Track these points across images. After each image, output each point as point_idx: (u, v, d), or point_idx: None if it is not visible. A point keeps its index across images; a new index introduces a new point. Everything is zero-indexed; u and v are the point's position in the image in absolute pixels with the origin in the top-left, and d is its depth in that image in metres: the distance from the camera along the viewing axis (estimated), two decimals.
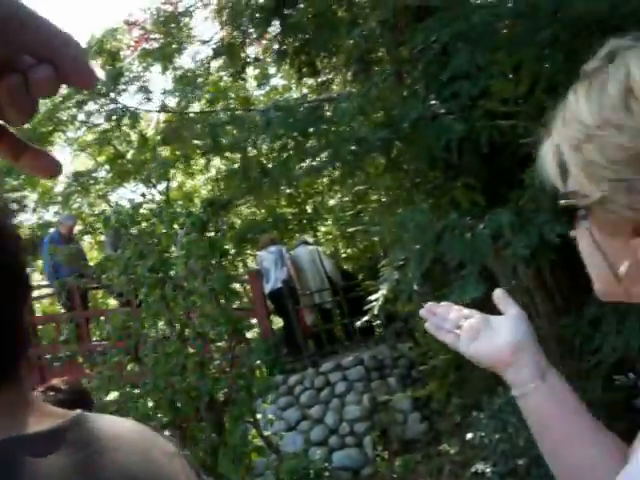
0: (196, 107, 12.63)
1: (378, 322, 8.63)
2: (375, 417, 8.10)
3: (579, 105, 0.85)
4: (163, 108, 11.33)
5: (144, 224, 4.85)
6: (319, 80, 10.02)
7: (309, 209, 15.54)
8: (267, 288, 9.32)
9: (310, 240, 10.38)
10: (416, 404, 8.16)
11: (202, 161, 14.44)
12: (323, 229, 15.92)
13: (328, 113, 6.56)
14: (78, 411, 0.93)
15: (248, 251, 14.72)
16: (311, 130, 5.34)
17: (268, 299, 9.60)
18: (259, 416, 5.81)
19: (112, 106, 11.02)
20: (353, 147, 5.46)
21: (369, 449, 7.85)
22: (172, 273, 4.76)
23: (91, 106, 13.56)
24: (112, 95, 12.32)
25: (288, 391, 8.59)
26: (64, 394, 3.29)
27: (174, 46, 12.05)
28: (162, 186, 15.69)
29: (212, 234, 4.70)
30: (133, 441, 0.93)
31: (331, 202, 15.09)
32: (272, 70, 13.89)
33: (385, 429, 7.98)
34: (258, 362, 5.36)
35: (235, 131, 6.20)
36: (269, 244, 9.45)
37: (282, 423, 8.21)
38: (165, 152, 14.24)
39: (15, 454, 0.81)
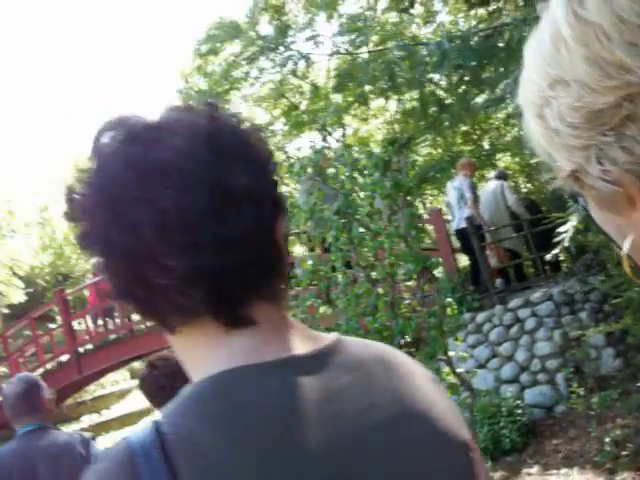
0: (364, 50, 12.58)
1: (566, 255, 8.28)
2: (567, 353, 7.86)
3: (529, 60, 0.68)
4: (334, 53, 11.36)
5: (329, 169, 4.92)
6: (489, 9, 9.64)
7: (486, 145, 15.14)
8: (453, 226, 9.19)
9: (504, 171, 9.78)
10: (610, 339, 7.82)
11: (376, 104, 14.41)
12: (502, 165, 15.48)
13: (500, 44, 6.31)
14: (335, 335, 0.94)
15: (427, 191, 14.62)
16: (488, 59, 5.15)
17: (455, 237, 9.47)
18: (451, 354, 5.81)
19: (286, 54, 11.17)
20: None
21: (562, 386, 7.65)
22: (358, 215, 4.82)
23: (263, 63, 13.88)
24: (281, 48, 12.55)
25: (477, 329, 8.52)
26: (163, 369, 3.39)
27: None
28: (338, 134, 15.87)
29: (395, 173, 4.69)
30: (396, 365, 0.93)
31: (507, 137, 14.63)
32: (438, 6, 13.51)
33: (578, 366, 7.73)
34: (449, 299, 5.33)
35: (410, 68, 6.10)
36: (464, 168, 9.11)
37: (472, 361, 8.17)
38: (337, 99, 14.35)
39: (287, 375, 0.82)
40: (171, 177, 0.81)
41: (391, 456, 0.83)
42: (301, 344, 0.88)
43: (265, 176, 0.89)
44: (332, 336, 0.93)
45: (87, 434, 3.76)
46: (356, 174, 5.04)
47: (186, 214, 0.80)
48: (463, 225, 8.89)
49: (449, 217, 9.89)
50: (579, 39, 0.61)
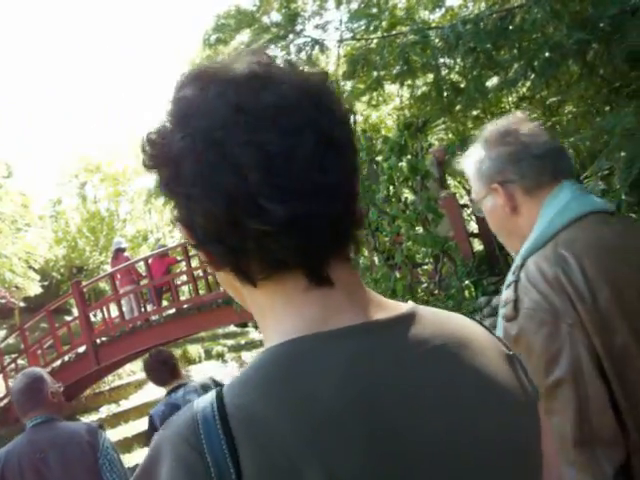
0: (376, 36, 12.52)
1: None
2: None
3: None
4: (345, 39, 11.30)
5: None
6: None
7: None
8: None
9: None
10: None
11: (387, 89, 14.32)
12: None
13: (511, 27, 6.27)
14: (411, 304, 0.94)
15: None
16: (502, 41, 5.15)
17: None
18: None
19: (300, 41, 11.11)
20: (547, 54, 5.20)
21: None
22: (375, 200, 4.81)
23: (273, 51, 13.84)
24: (291, 36, 12.48)
25: (492, 312, 8.51)
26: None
27: None
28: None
29: (410, 157, 4.69)
30: (468, 341, 0.92)
31: None
32: None
33: None
34: (467, 282, 5.33)
35: (424, 52, 6.09)
36: None
37: None
38: (348, 86, 14.30)
39: (358, 343, 0.82)
40: (281, 122, 0.81)
41: (451, 422, 0.83)
42: (374, 311, 0.87)
43: (350, 128, 0.90)
44: (406, 305, 0.93)
45: (94, 423, 3.85)
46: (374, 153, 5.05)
47: (293, 159, 0.80)
48: None
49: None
50: None
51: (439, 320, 0.92)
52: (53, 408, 3.62)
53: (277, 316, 0.87)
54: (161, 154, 0.86)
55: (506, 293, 1.65)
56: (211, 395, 0.80)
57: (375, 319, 0.86)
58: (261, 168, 0.80)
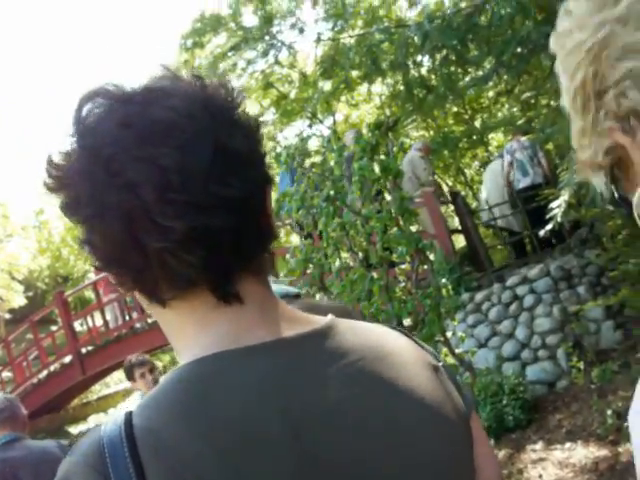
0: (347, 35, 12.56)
1: (560, 230, 8.27)
2: (567, 328, 7.86)
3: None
4: (317, 40, 11.34)
5: (316, 157, 4.89)
6: None
7: (477, 125, 15.13)
8: (520, 184, 9.12)
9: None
10: (608, 312, 7.83)
11: (364, 89, 14.36)
12: (495, 143, 15.45)
13: (480, 22, 6.27)
14: (330, 317, 0.91)
15: None
16: (470, 37, 5.13)
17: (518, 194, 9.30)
18: (449, 334, 5.80)
19: (269, 43, 11.17)
20: (517, 49, 5.19)
21: (563, 361, 7.66)
22: (348, 200, 4.80)
23: (249, 54, 13.84)
24: (267, 38, 12.50)
25: (476, 308, 8.52)
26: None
27: None
28: (328, 122, 15.83)
29: (382, 157, 4.67)
30: (388, 354, 0.89)
31: (499, 115, 14.62)
32: None
33: (578, 340, 7.73)
34: (444, 281, 5.32)
35: (394, 50, 6.08)
36: (517, 134, 9.29)
37: (472, 340, 8.18)
38: (327, 86, 14.35)
39: (271, 360, 0.80)
40: (172, 135, 0.79)
41: (370, 440, 0.81)
42: (288, 326, 0.85)
43: (258, 142, 0.88)
44: (324, 319, 0.90)
45: (65, 442, 3.88)
46: (346, 153, 5.03)
47: (188, 172, 0.78)
48: (539, 181, 8.91)
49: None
50: None
51: (358, 334, 0.90)
52: (22, 427, 3.62)
53: (187, 336, 0.85)
54: (61, 176, 0.84)
55: None
56: (120, 418, 0.77)
57: (289, 335, 0.83)
58: (154, 183, 0.77)
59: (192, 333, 0.84)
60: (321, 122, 15.73)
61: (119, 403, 15.57)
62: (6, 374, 14.55)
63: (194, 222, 0.78)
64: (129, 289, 0.86)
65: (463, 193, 13.25)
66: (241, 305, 0.83)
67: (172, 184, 0.77)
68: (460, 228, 9.78)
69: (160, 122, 0.80)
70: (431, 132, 14.87)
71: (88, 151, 0.81)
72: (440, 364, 0.97)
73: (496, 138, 15.72)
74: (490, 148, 15.51)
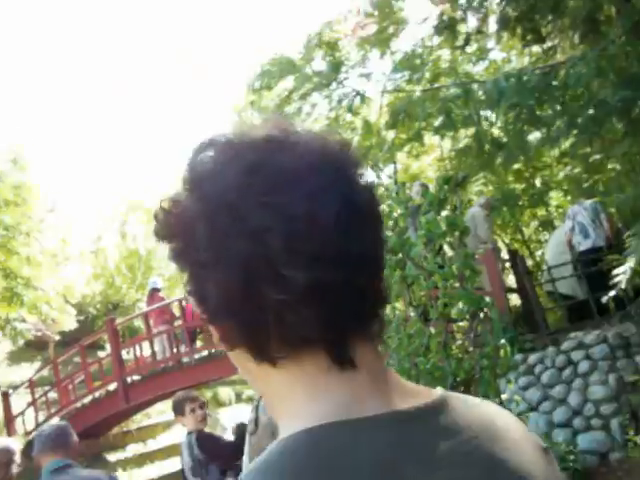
0: (418, 88, 12.63)
1: (621, 297, 8.08)
2: (622, 398, 7.64)
3: None
4: (387, 91, 11.44)
5: (383, 207, 4.88)
6: (544, 46, 9.60)
7: (538, 184, 14.98)
8: (583, 246, 9.06)
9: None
10: None
11: (428, 141, 14.38)
12: (555, 203, 15.27)
13: (555, 83, 6.25)
14: (440, 390, 0.88)
15: None
16: (545, 97, 5.11)
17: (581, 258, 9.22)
18: (503, 396, 5.67)
19: (342, 91, 11.26)
20: (591, 111, 5.15)
21: (617, 432, 7.41)
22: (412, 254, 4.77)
23: (315, 98, 14.00)
24: (334, 85, 12.64)
25: (528, 370, 8.36)
26: None
27: (390, 30, 12.09)
28: (389, 170, 15.87)
29: (449, 212, 4.65)
30: (503, 432, 0.86)
31: (560, 175, 14.47)
32: (490, 44, 13.50)
33: (634, 411, 7.49)
34: (503, 341, 5.23)
35: (465, 105, 6.09)
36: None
37: (523, 403, 8.00)
38: (390, 136, 14.41)
39: (387, 434, 0.77)
40: (301, 184, 0.77)
41: None
42: (401, 398, 0.82)
43: (374, 197, 0.86)
44: (435, 392, 0.87)
45: (113, 474, 3.92)
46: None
47: (315, 223, 0.76)
48: (601, 243, 8.84)
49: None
50: None
51: (470, 409, 0.87)
52: (74, 455, 3.65)
53: (296, 401, 0.81)
54: (174, 223, 0.82)
55: None
56: None
57: (404, 408, 0.80)
58: (280, 231, 0.75)
59: (302, 399, 0.80)
60: (382, 170, 15.76)
61: (159, 435, 15.56)
62: (52, 395, 14.71)
63: (318, 275, 0.75)
64: (235, 345, 0.82)
65: (520, 253, 13.09)
66: (354, 371, 0.80)
67: (299, 233, 0.75)
68: (516, 287, 9.65)
69: (288, 169, 0.78)
70: (489, 187, 14.76)
71: (211, 195, 0.79)
72: (546, 446, 0.93)
73: (555, 197, 15.54)
74: (550, 208, 15.35)
